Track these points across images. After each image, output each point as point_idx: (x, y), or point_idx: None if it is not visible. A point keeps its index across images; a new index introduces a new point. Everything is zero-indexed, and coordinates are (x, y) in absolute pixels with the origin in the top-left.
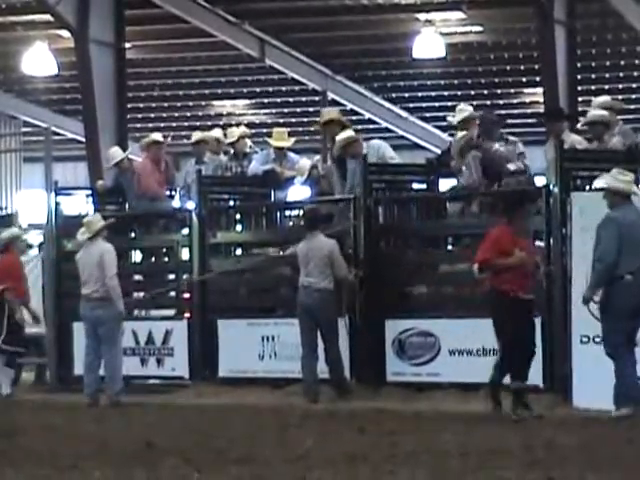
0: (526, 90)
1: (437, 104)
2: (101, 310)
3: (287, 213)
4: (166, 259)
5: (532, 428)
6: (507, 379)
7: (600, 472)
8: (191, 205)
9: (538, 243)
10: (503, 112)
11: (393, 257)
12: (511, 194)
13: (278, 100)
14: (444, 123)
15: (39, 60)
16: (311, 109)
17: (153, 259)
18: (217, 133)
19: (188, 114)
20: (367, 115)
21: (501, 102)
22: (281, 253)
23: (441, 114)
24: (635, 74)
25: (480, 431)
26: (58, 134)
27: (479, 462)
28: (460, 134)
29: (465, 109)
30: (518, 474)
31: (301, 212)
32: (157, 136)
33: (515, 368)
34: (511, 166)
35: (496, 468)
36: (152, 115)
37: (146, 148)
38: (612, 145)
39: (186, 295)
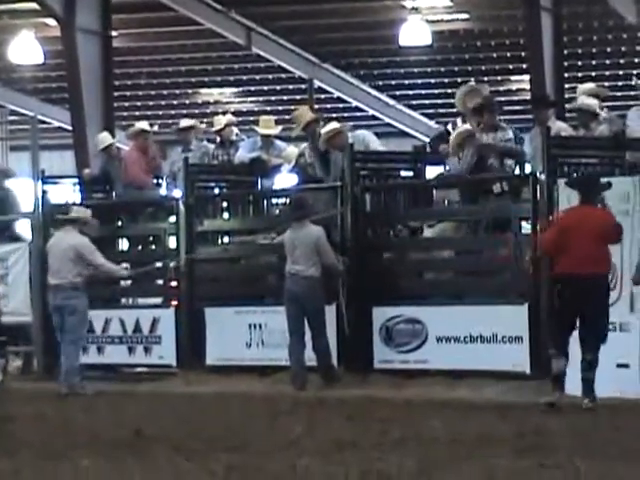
0: (513, 77)
1: (424, 92)
2: (75, 300)
3: (274, 201)
4: (153, 247)
5: (521, 415)
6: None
7: (591, 459)
8: (178, 193)
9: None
10: None
11: (380, 244)
12: (590, 179)
13: (265, 88)
14: (431, 110)
15: (25, 49)
16: (298, 97)
17: (140, 247)
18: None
19: (175, 102)
20: (354, 103)
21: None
22: (270, 236)
23: (428, 102)
24: (621, 61)
25: (469, 418)
26: (45, 123)
27: (469, 449)
28: (461, 127)
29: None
30: (509, 461)
31: (288, 200)
32: (143, 125)
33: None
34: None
35: (486, 455)
36: (139, 103)
37: (133, 137)
38: (599, 132)
39: (173, 283)
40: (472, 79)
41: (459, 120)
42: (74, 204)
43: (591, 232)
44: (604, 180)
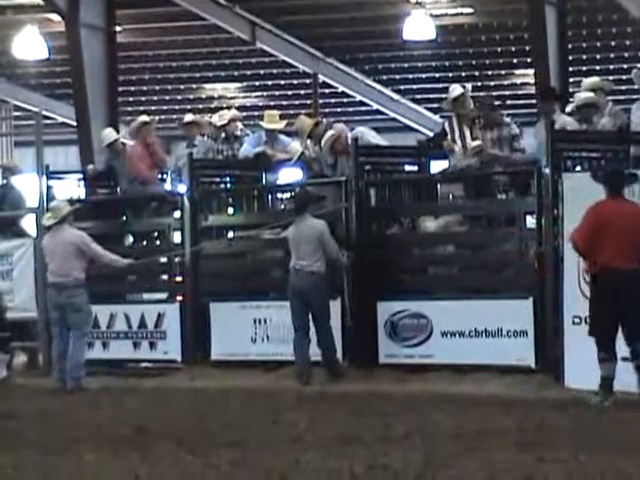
0: (517, 71)
1: (428, 86)
2: (79, 297)
3: (278, 196)
4: (158, 242)
5: (524, 409)
6: None
7: (592, 453)
8: (182, 188)
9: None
10: (494, 94)
11: (385, 239)
12: (616, 171)
13: (269, 83)
14: (435, 105)
15: (30, 44)
16: (302, 92)
17: (145, 243)
18: (213, 118)
19: (179, 97)
20: (358, 97)
21: (492, 84)
22: (275, 231)
23: (432, 96)
24: (626, 55)
25: (473, 413)
26: (49, 118)
27: (472, 443)
28: (475, 143)
29: (458, 88)
30: (511, 455)
31: (292, 194)
32: (144, 117)
33: None
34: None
35: (489, 449)
36: (143, 99)
37: (135, 132)
38: (601, 126)
39: (178, 278)
40: (476, 73)
41: (454, 120)
42: (52, 200)
43: (628, 226)
44: (629, 172)
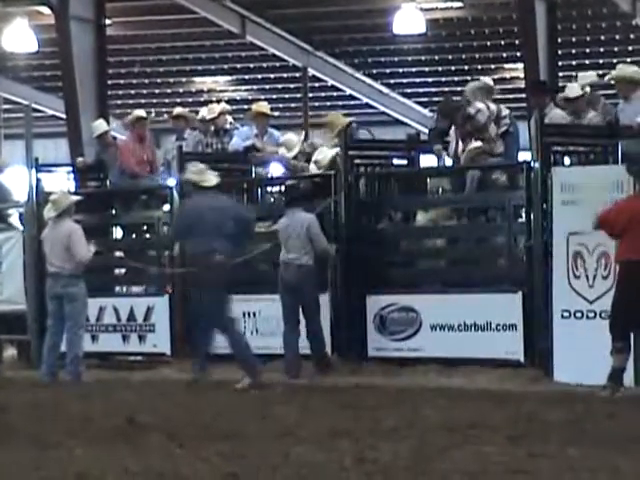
0: (507, 65)
1: (418, 80)
2: (74, 288)
3: (268, 189)
4: (147, 235)
5: (514, 403)
6: None
7: (582, 447)
8: (172, 182)
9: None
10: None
11: (374, 232)
12: None
13: (259, 76)
14: (425, 99)
15: (19, 37)
16: (292, 85)
17: (134, 236)
18: (202, 111)
19: (169, 91)
20: (348, 91)
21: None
22: (266, 225)
23: (422, 90)
24: (615, 49)
25: (462, 406)
26: (38, 111)
27: (461, 437)
28: (474, 145)
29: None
30: (500, 449)
31: (282, 188)
32: (140, 112)
33: None
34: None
35: (479, 443)
36: (132, 92)
37: (130, 125)
38: (588, 120)
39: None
40: (465, 67)
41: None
42: (51, 193)
43: None
44: None
